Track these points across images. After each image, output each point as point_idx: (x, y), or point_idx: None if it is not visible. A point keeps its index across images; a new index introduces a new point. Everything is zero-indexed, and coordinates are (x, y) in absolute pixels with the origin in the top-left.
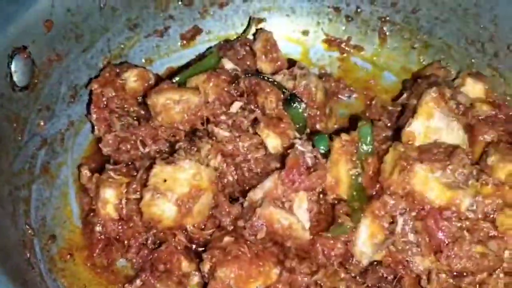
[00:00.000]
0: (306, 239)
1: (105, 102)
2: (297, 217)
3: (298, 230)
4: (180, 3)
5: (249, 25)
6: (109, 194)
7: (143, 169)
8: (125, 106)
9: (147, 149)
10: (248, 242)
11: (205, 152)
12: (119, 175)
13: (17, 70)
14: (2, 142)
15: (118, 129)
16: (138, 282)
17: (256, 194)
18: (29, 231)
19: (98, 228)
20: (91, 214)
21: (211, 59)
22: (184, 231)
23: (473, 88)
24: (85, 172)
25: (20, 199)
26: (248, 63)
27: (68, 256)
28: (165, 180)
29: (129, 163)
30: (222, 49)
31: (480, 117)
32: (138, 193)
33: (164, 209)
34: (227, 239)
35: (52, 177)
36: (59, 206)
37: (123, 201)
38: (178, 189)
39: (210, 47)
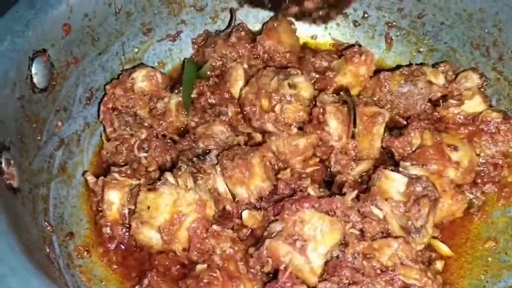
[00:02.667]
0: (311, 283)
1: (113, 102)
2: (308, 259)
3: (304, 272)
4: (192, 8)
5: (232, 18)
6: (113, 196)
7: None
8: (132, 106)
9: (142, 154)
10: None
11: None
12: (124, 176)
13: (37, 72)
14: (22, 141)
15: (116, 126)
16: (145, 281)
17: (276, 227)
18: (48, 228)
19: (105, 230)
20: (100, 214)
21: (189, 70)
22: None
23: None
24: (90, 177)
25: (40, 196)
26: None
27: (85, 252)
28: (148, 207)
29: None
30: (199, 51)
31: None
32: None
33: (150, 237)
34: (199, 267)
35: (69, 177)
36: (75, 204)
37: (125, 210)
38: (159, 217)
39: (185, 58)
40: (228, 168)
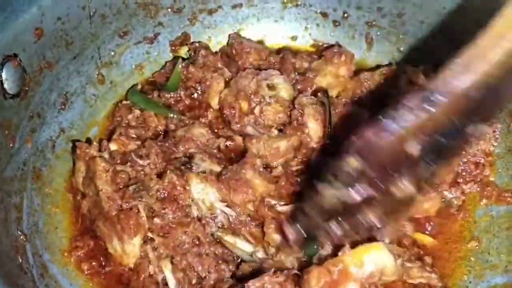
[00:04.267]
0: None
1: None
2: None
3: None
4: (169, 10)
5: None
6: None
7: None
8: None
9: (146, 161)
10: None
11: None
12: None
13: (8, 77)
14: None
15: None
16: None
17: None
18: (21, 237)
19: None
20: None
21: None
22: None
23: None
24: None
25: (12, 205)
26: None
27: (60, 261)
28: None
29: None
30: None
31: None
32: None
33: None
34: None
35: (44, 184)
36: (50, 212)
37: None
38: None
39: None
40: (229, 195)
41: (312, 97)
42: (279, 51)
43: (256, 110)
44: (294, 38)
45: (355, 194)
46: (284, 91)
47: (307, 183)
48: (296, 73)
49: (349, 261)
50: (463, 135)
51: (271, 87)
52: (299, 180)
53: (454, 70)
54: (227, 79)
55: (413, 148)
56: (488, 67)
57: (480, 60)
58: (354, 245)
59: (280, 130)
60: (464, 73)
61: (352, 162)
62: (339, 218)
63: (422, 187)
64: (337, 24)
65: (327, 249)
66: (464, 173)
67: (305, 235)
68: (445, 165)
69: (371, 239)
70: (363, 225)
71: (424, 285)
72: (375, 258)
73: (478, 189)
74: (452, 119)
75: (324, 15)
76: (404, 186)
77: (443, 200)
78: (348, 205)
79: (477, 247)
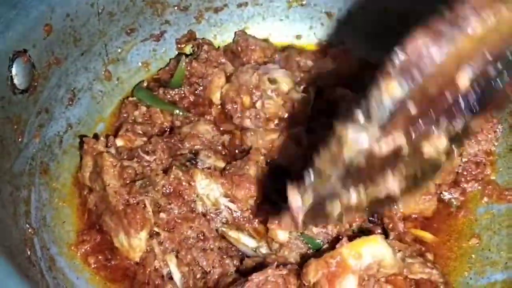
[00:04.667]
0: None
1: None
2: None
3: None
4: (176, 8)
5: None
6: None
7: None
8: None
9: (152, 157)
10: None
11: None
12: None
13: (17, 73)
14: (3, 143)
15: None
16: None
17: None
18: (30, 230)
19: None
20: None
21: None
22: None
23: None
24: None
25: (21, 199)
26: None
27: (67, 255)
28: None
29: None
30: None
31: None
32: None
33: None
34: None
35: (51, 179)
36: (57, 207)
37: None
38: None
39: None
40: (232, 190)
41: (303, 93)
42: (284, 49)
43: (258, 104)
44: (298, 36)
45: (390, 141)
46: (285, 84)
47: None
48: (301, 71)
49: (347, 253)
50: (504, 82)
51: (272, 81)
52: None
53: None
54: (228, 74)
55: (465, 78)
56: None
57: None
58: (351, 238)
59: (276, 123)
60: None
61: (393, 89)
62: (358, 180)
63: (451, 151)
64: (341, 23)
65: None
66: (465, 172)
67: (316, 204)
68: (480, 120)
69: (370, 231)
70: (380, 193)
71: (426, 280)
72: (373, 251)
73: (479, 187)
74: (495, 57)
75: (329, 14)
76: (437, 141)
77: (443, 199)
78: (371, 160)
79: (478, 244)
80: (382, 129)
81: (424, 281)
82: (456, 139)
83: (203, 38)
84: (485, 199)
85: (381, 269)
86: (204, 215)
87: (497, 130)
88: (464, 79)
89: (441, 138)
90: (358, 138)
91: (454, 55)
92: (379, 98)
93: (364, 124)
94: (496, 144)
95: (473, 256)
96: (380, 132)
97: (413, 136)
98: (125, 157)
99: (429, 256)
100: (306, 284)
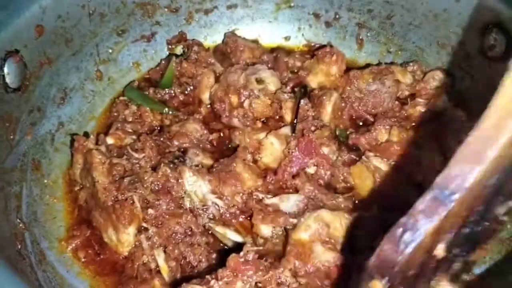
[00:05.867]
0: None
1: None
2: None
3: None
4: (166, 9)
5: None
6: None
7: None
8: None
9: (141, 155)
10: None
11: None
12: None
13: (9, 72)
14: None
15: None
16: None
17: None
18: (21, 225)
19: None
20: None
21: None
22: None
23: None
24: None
25: (12, 194)
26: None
27: (57, 249)
28: None
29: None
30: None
31: None
32: None
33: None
34: None
35: (43, 175)
36: (48, 202)
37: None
38: None
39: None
40: (219, 187)
41: (290, 93)
42: (272, 50)
43: (246, 104)
44: (287, 38)
45: None
46: (272, 84)
47: None
48: (289, 72)
49: None
50: (491, 217)
51: (259, 81)
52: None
53: (461, 162)
54: (218, 74)
55: (438, 251)
56: (498, 151)
57: (488, 145)
58: None
59: (263, 123)
60: (472, 164)
61: (376, 286)
62: None
63: (464, 280)
64: (329, 25)
65: None
66: None
67: None
68: (482, 248)
69: None
70: None
71: None
72: None
73: None
74: (473, 209)
75: (317, 16)
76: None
77: None
78: None
79: None
80: None
81: None
82: (461, 274)
83: (194, 39)
84: None
85: None
86: (192, 211)
87: None
88: (439, 252)
89: (444, 285)
90: None
91: (419, 246)
92: None
93: None
94: None
95: None
96: None
97: None
98: (114, 154)
99: None
100: None
